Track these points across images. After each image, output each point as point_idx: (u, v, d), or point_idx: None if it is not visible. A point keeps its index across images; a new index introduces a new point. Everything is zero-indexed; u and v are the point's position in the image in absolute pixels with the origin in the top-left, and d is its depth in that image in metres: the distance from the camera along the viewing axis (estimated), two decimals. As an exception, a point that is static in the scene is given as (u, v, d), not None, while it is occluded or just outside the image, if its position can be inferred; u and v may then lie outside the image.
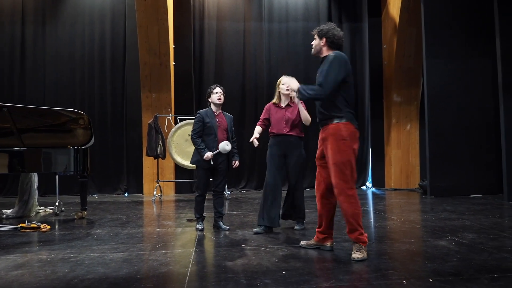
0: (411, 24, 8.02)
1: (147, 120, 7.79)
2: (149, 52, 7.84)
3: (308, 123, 4.26)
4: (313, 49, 3.20)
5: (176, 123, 7.55)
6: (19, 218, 5.36)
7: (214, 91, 4.22)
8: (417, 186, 8.26)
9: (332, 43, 3.04)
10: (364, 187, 8.93)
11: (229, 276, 2.56)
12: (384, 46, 8.71)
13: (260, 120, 4.33)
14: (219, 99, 4.21)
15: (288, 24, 8.93)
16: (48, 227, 3.74)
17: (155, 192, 7.04)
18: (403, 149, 8.54)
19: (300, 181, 4.28)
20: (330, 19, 8.94)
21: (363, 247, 2.92)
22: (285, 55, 8.88)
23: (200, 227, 4.17)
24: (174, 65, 8.31)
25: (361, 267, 2.70)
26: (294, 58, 8.88)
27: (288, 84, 3.82)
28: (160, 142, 7.25)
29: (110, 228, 4.37)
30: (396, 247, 3.26)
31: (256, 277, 2.52)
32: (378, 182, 8.87)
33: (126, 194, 8.36)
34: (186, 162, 7.44)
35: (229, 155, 4.28)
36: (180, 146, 7.31)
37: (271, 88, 8.90)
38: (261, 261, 2.89)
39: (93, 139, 5.44)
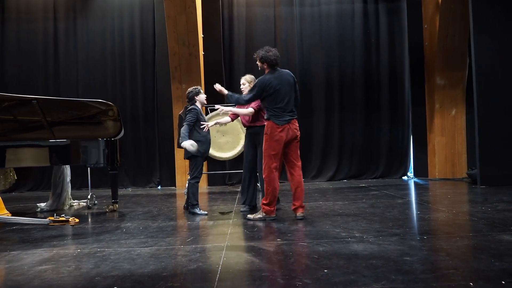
0: (455, 0, 7.42)
1: (177, 112, 7.62)
2: (178, 43, 7.67)
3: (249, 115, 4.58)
4: (259, 68, 4.14)
5: (207, 114, 7.35)
6: (53, 211, 5.31)
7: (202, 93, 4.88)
8: (464, 175, 7.69)
9: (269, 64, 3.98)
10: (405, 177, 8.43)
11: (264, 274, 2.30)
12: (425, 26, 8.13)
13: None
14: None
15: (320, 8, 8.51)
16: (77, 220, 3.61)
17: (187, 185, 6.86)
18: (448, 136, 7.97)
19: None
20: (365, 0, 8.47)
21: (263, 213, 3.95)
22: (317, 41, 8.48)
23: (205, 212, 4.58)
24: (203, 55, 8.11)
25: (416, 265, 2.36)
26: (327, 43, 8.46)
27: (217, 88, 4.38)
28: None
29: (140, 221, 4.21)
30: (453, 242, 2.88)
31: (295, 276, 2.24)
32: (421, 171, 8.33)
33: (159, 187, 8.28)
34: (218, 154, 7.25)
35: None
36: (212, 137, 7.08)
37: (304, 75, 8.57)
38: (300, 258, 2.61)
39: (123, 130, 5.32)
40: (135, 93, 8.42)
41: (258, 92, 3.96)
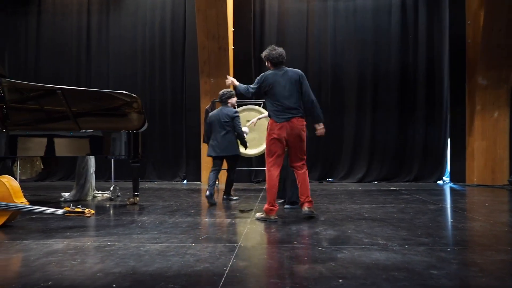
0: (502, -7, 6.92)
1: (205, 106, 7.54)
2: (207, 36, 7.58)
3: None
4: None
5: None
6: (76, 201, 5.35)
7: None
8: (506, 182, 7.18)
9: (272, 62, 4.04)
10: (440, 182, 7.98)
11: (272, 281, 2.12)
12: (468, 22, 7.63)
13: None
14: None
15: (355, 2, 8.19)
16: (92, 212, 3.56)
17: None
18: (489, 139, 7.46)
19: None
20: (404, -5, 8.06)
21: (265, 213, 3.89)
22: (351, 36, 8.17)
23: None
24: (233, 49, 7.98)
25: (443, 280, 2.11)
26: (362, 39, 8.14)
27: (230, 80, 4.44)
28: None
29: (157, 216, 4.13)
30: (488, 256, 2.58)
31: (306, 285, 2.04)
32: (458, 176, 7.86)
33: (184, 182, 8.25)
34: (244, 150, 7.10)
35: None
36: (238, 133, 6.96)
37: (336, 71, 8.28)
38: (314, 264, 2.41)
39: (146, 123, 5.27)
40: (164, 86, 8.43)
41: (256, 86, 4.08)
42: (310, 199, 3.99)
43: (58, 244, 2.96)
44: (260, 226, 3.62)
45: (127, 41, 8.50)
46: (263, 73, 4.08)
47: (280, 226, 3.61)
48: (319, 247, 2.83)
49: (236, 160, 5.39)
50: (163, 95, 8.42)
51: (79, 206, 3.60)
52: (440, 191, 6.66)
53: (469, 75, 7.73)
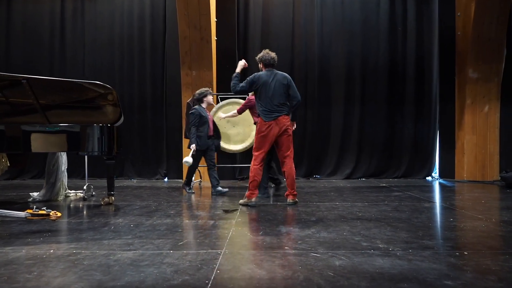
0: (493, -16, 6.73)
1: (187, 100, 7.16)
2: (189, 26, 7.18)
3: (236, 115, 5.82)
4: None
5: (217, 102, 6.87)
6: (46, 202, 4.94)
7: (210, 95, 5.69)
8: (496, 178, 7.02)
9: (265, 63, 4.52)
10: (429, 178, 7.79)
11: (263, 298, 1.80)
12: (458, 14, 7.43)
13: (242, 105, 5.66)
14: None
15: (343, -8, 7.90)
16: (59, 214, 3.17)
17: (193, 178, 6.40)
18: (479, 134, 7.29)
19: None
20: (393, -15, 7.81)
21: (247, 198, 4.43)
22: (339, 28, 7.88)
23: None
24: (216, 40, 7.60)
25: (460, 293, 1.83)
26: (350, 30, 7.85)
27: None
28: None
29: (133, 218, 3.76)
30: (504, 261, 2.31)
31: (303, 302, 1.73)
32: (447, 172, 7.68)
33: (165, 179, 7.85)
34: (228, 146, 6.76)
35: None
36: (221, 128, 6.61)
37: (323, 63, 7.98)
38: (310, 275, 2.10)
39: (122, 117, 4.87)
40: (144, 78, 7.99)
41: (247, 84, 4.45)
42: (295, 192, 4.48)
43: (16, 252, 2.58)
44: (247, 228, 3.30)
45: (104, 29, 8.01)
46: (256, 73, 4.50)
47: (268, 227, 3.29)
48: (314, 252, 2.52)
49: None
50: (143, 87, 7.98)
51: (44, 208, 3.21)
52: (430, 187, 6.45)
53: (459, 68, 7.54)
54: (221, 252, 2.55)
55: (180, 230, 3.23)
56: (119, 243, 2.79)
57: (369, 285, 1.94)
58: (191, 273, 2.13)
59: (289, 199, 4.44)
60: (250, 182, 4.42)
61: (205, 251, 2.58)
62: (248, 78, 4.49)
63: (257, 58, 4.63)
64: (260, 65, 4.61)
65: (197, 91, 5.69)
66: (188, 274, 2.11)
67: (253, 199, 4.42)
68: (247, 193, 4.44)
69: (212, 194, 5.52)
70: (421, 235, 2.97)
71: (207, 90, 5.65)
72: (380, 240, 2.82)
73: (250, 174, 4.45)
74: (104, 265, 2.29)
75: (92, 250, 2.60)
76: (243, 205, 4.43)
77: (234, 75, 4.56)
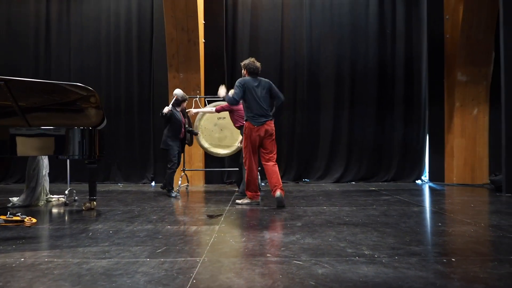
0: (481, -12, 6.73)
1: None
2: (176, 28, 7.08)
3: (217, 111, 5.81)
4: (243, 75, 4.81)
5: (205, 105, 6.76)
6: (26, 207, 4.79)
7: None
8: (486, 181, 7.00)
9: (249, 71, 4.71)
10: (419, 181, 7.75)
11: (239, 310, 1.69)
12: (447, 17, 7.43)
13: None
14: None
15: (332, -5, 7.86)
16: (34, 220, 3.04)
17: (179, 182, 6.29)
18: (468, 137, 7.27)
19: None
20: (381, -12, 7.79)
21: (249, 199, 4.73)
22: (328, 30, 7.84)
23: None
24: (204, 42, 7.51)
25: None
26: (339, 33, 7.82)
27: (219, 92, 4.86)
28: (187, 126, 6.48)
29: (113, 223, 3.63)
30: (492, 268, 2.23)
31: (281, 314, 1.62)
32: (436, 175, 7.65)
33: (153, 184, 7.72)
34: (215, 150, 6.64)
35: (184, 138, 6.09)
36: (209, 131, 6.51)
37: (312, 66, 7.91)
38: (291, 284, 2.00)
39: (105, 120, 4.74)
40: (130, 81, 7.87)
41: (240, 89, 4.58)
42: (281, 186, 4.58)
43: (-17, 262, 2.44)
44: (229, 234, 3.19)
45: (90, 31, 7.88)
46: (241, 78, 4.70)
47: (252, 233, 3.18)
48: (297, 260, 2.42)
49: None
50: (129, 90, 7.85)
51: (18, 214, 3.08)
52: (420, 191, 6.39)
53: (447, 71, 7.53)
54: (199, 260, 2.44)
55: (160, 236, 3.11)
56: (94, 251, 2.67)
57: (352, 295, 1.84)
58: (165, 283, 2.02)
59: (278, 192, 4.48)
60: (251, 183, 4.67)
61: (183, 259, 2.46)
62: (237, 84, 4.62)
63: (242, 64, 4.78)
64: (244, 71, 4.77)
65: (180, 93, 5.91)
66: (162, 284, 2.00)
67: (258, 200, 4.75)
68: (251, 193, 4.72)
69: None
70: (408, 241, 2.89)
71: (184, 97, 5.94)
72: (365, 246, 2.73)
73: (248, 176, 4.65)
74: (75, 274, 2.17)
75: (65, 259, 2.48)
76: (244, 204, 4.72)
77: (223, 95, 4.72)
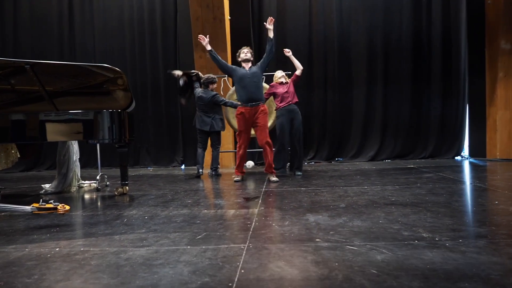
0: None
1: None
2: (201, 5, 6.83)
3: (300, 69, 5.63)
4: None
5: (233, 85, 6.53)
6: (59, 193, 4.75)
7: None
8: (533, 155, 6.57)
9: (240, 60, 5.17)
10: (458, 158, 7.36)
11: (298, 305, 1.50)
12: (489, -20, 6.89)
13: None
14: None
15: (363, -37, 7.40)
16: (67, 207, 2.93)
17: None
18: (514, 109, 6.81)
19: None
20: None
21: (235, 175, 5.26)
22: (359, 2, 7.42)
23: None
24: (230, 19, 7.24)
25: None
26: (370, 5, 7.39)
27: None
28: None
29: (148, 208, 3.51)
30: None
31: (347, 310, 1.42)
32: (477, 151, 7.25)
33: (182, 167, 7.62)
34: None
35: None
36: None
37: (343, 41, 7.55)
38: (350, 273, 1.79)
39: (134, 102, 4.60)
40: (156, 63, 7.72)
41: (221, 62, 5.19)
42: (273, 170, 5.11)
43: (18, 251, 2.34)
44: (270, 218, 3.00)
45: (113, 14, 7.74)
46: (233, 66, 5.18)
47: (295, 216, 2.99)
48: (350, 245, 2.21)
49: (218, 135, 5.97)
50: (155, 72, 7.71)
51: (51, 201, 2.97)
52: (462, 167, 6.04)
53: (489, 40, 7.02)
54: (244, 246, 2.26)
55: (198, 221, 2.95)
56: (131, 238, 2.53)
57: (423, 286, 1.62)
58: (212, 274, 1.85)
59: (273, 178, 5.04)
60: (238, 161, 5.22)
61: (226, 246, 2.29)
62: (227, 65, 5.22)
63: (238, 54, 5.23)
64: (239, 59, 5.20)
65: (204, 76, 5.97)
66: (208, 275, 1.83)
67: (239, 177, 5.17)
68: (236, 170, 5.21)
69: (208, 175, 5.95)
70: (468, 222, 2.63)
71: (214, 78, 5.92)
72: (422, 229, 2.49)
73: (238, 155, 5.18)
74: (114, 265, 2.03)
75: (102, 248, 2.35)
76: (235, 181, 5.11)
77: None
